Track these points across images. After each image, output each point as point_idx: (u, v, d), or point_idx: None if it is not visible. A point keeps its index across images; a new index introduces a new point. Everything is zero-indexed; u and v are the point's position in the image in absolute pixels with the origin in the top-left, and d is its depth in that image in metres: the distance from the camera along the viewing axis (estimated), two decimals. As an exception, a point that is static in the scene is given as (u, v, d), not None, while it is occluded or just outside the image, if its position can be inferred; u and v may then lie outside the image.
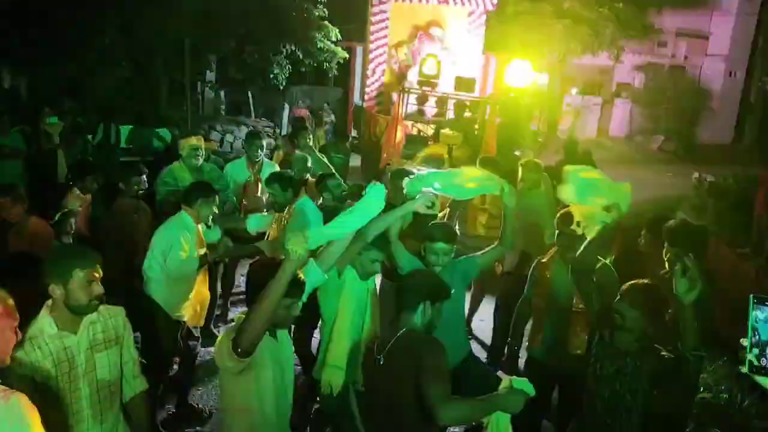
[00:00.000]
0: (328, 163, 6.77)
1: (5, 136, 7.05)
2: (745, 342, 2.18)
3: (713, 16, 21.35)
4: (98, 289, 2.56)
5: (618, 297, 2.91)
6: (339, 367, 3.52)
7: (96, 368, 2.65)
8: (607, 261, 4.19)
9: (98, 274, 2.57)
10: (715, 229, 8.34)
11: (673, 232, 3.69)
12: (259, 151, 6.16)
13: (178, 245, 4.19)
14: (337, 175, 5.39)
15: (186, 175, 5.60)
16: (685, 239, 3.57)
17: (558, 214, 3.98)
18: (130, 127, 9.04)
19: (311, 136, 7.01)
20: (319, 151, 7.37)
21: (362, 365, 3.18)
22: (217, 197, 4.48)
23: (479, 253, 3.99)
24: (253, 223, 5.00)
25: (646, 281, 2.99)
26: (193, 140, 5.82)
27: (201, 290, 4.58)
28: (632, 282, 2.94)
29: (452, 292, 3.33)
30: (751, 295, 2.20)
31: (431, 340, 2.81)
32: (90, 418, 2.64)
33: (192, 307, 4.47)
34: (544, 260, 4.13)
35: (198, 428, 4.58)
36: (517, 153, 11.04)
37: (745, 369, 2.22)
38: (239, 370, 2.60)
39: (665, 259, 3.67)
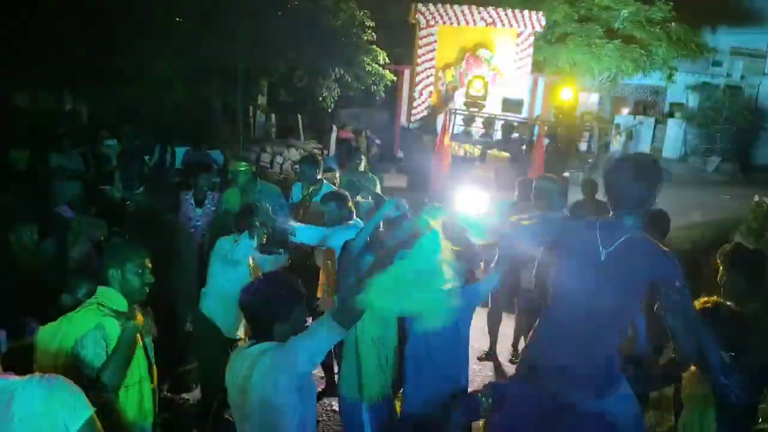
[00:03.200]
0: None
1: (66, 157, 7.33)
2: None
3: (771, 34, 20.77)
4: (149, 276, 2.86)
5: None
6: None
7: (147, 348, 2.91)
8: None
9: (149, 264, 2.88)
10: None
11: (730, 255, 3.55)
12: (312, 173, 5.99)
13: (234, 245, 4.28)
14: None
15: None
16: (741, 263, 3.44)
17: None
18: (185, 148, 9.29)
19: (362, 159, 6.93)
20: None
21: None
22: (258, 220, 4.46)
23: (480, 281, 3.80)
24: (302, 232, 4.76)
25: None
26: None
27: None
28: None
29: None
30: None
31: None
32: None
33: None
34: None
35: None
36: (566, 174, 10.91)
37: None
38: None
39: (719, 282, 3.51)
